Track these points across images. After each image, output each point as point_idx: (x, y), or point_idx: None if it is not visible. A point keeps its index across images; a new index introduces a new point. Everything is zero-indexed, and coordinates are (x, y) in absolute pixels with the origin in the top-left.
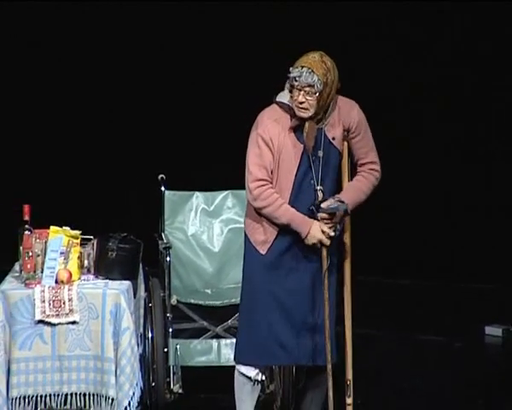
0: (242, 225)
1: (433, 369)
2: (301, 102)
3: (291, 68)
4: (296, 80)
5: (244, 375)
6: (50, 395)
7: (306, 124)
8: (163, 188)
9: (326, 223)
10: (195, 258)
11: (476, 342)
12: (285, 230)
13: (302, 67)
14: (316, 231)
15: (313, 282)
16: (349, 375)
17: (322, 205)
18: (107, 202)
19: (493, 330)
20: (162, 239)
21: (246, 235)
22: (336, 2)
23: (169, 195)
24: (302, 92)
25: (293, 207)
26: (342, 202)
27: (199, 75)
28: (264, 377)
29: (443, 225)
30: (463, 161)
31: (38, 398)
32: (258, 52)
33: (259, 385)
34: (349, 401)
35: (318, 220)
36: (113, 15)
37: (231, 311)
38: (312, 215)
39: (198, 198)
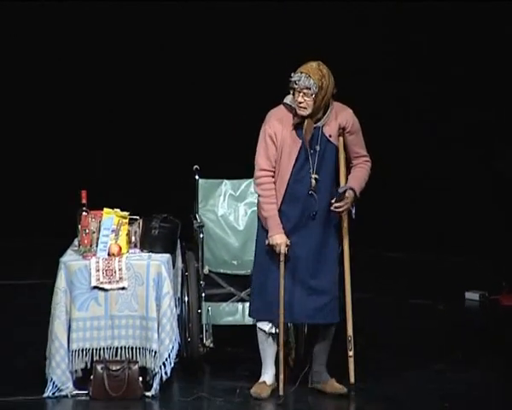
0: None
1: (421, 327)
2: (300, 102)
3: (292, 74)
4: (296, 83)
5: (261, 329)
6: (103, 349)
7: (305, 121)
8: (197, 177)
9: (339, 208)
10: (224, 235)
11: (457, 305)
12: (284, 211)
13: (301, 72)
14: (278, 238)
15: (314, 252)
16: (350, 331)
17: (332, 201)
18: (151, 188)
19: (472, 295)
20: (196, 219)
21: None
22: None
23: (202, 182)
24: (301, 94)
25: (292, 190)
26: (351, 188)
27: (229, 84)
28: (277, 330)
29: (430, 206)
30: (440, 148)
31: (94, 351)
32: (276, 58)
33: (276, 338)
34: (350, 353)
35: (315, 200)
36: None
37: None
38: (312, 197)
39: (226, 185)
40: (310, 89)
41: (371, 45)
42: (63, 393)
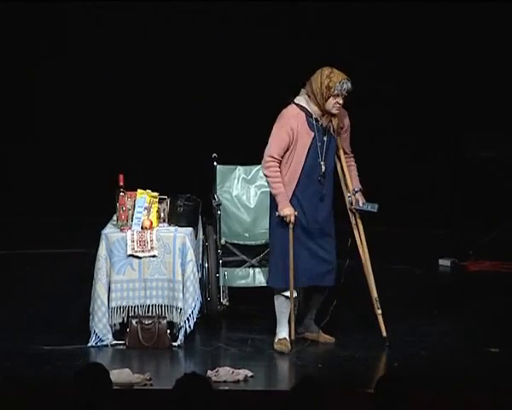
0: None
1: (400, 288)
2: (340, 104)
3: (337, 84)
4: (343, 89)
5: (283, 295)
6: (137, 306)
7: (323, 117)
8: (215, 163)
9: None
10: (238, 212)
11: (432, 270)
12: (297, 194)
13: (343, 79)
14: (287, 210)
15: (320, 227)
16: (375, 294)
17: (356, 207)
18: (177, 173)
19: (444, 262)
20: (215, 199)
21: (270, 194)
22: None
23: (219, 168)
24: (343, 96)
25: (306, 175)
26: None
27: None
28: (296, 294)
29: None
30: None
31: (129, 308)
32: (284, 58)
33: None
34: (379, 311)
35: (323, 185)
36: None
37: (263, 248)
38: (320, 182)
39: (239, 170)
40: (349, 90)
41: (356, 48)
42: (104, 343)
